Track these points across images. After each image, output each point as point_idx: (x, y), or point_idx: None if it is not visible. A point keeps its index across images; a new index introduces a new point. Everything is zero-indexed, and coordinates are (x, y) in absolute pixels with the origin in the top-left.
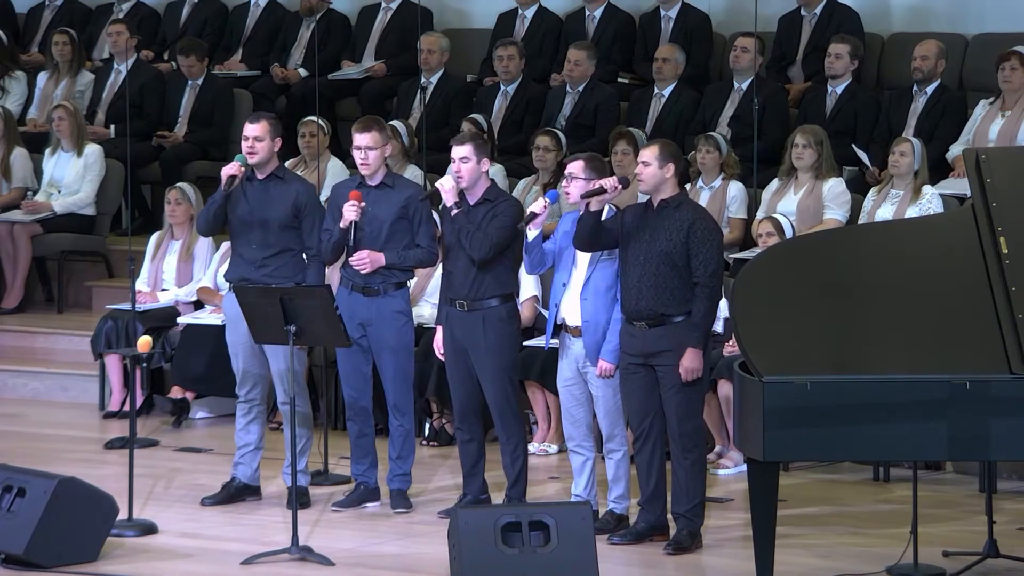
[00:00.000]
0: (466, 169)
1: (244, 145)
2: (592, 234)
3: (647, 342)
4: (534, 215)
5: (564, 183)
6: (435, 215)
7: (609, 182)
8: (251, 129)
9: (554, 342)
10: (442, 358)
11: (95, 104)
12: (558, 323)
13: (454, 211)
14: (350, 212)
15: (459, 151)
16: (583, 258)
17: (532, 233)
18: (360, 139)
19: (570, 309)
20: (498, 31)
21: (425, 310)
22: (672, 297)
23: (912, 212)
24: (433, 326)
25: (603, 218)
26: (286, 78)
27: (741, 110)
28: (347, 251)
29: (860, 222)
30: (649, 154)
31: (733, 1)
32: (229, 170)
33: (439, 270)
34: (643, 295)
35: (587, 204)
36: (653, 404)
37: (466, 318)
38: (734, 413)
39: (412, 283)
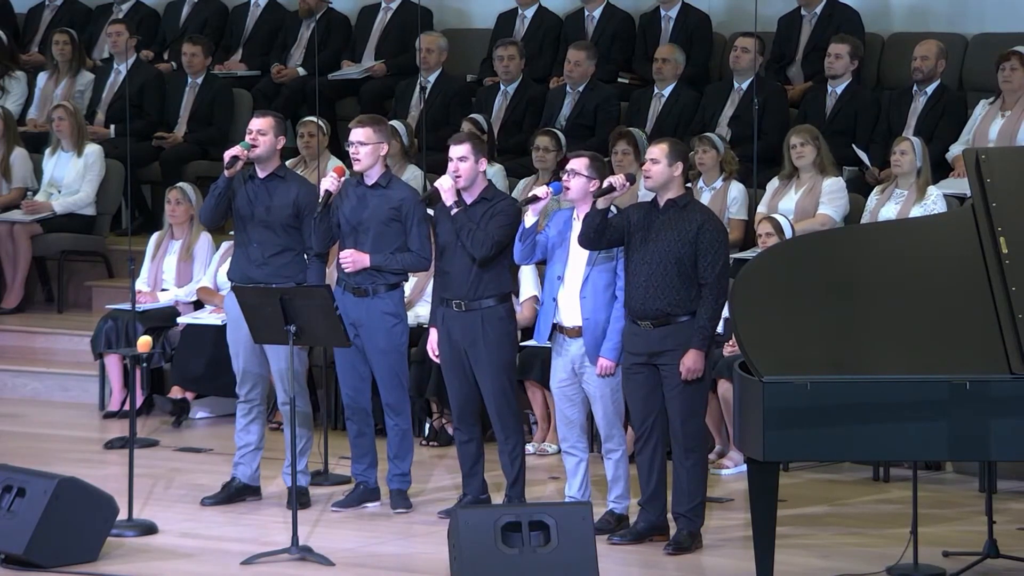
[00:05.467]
0: (464, 168)
1: (248, 137)
2: (598, 232)
3: (651, 342)
4: (536, 198)
5: (565, 178)
6: (430, 212)
7: (618, 180)
8: (256, 123)
9: (549, 341)
10: (436, 359)
11: (95, 104)
12: (554, 322)
13: (454, 210)
14: (327, 181)
15: (457, 150)
16: (579, 256)
17: (529, 219)
18: (353, 134)
19: (567, 309)
20: (498, 31)
21: (425, 309)
22: (678, 297)
23: (916, 212)
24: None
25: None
26: (286, 77)
27: (741, 110)
28: (339, 245)
29: (863, 221)
30: (658, 151)
31: (733, 1)
32: (232, 151)
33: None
34: (651, 295)
35: (593, 203)
36: (655, 404)
37: (463, 318)
38: (734, 413)
39: (411, 283)
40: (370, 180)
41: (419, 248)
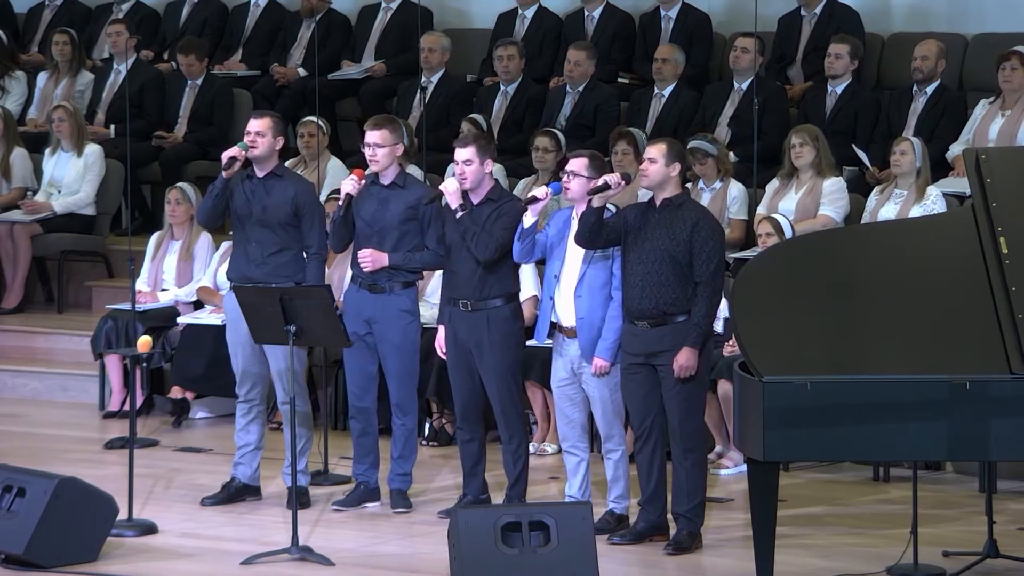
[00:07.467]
0: (470, 171)
1: (246, 138)
2: (594, 230)
3: (649, 342)
4: (535, 199)
5: (565, 179)
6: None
7: (613, 178)
8: (254, 124)
9: (548, 341)
10: (444, 357)
11: (95, 104)
12: (552, 321)
13: (459, 213)
14: (347, 184)
15: (462, 153)
16: (576, 255)
17: (528, 219)
18: (369, 136)
19: (564, 309)
20: (498, 31)
21: (425, 310)
22: (674, 296)
23: (916, 212)
24: (434, 326)
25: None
26: (286, 77)
27: (741, 110)
28: (354, 244)
29: (863, 221)
30: (656, 151)
31: (733, 1)
32: (230, 152)
33: (439, 270)
34: (646, 294)
35: (589, 201)
36: (654, 404)
37: (470, 318)
38: (734, 413)
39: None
40: (386, 180)
41: (436, 246)
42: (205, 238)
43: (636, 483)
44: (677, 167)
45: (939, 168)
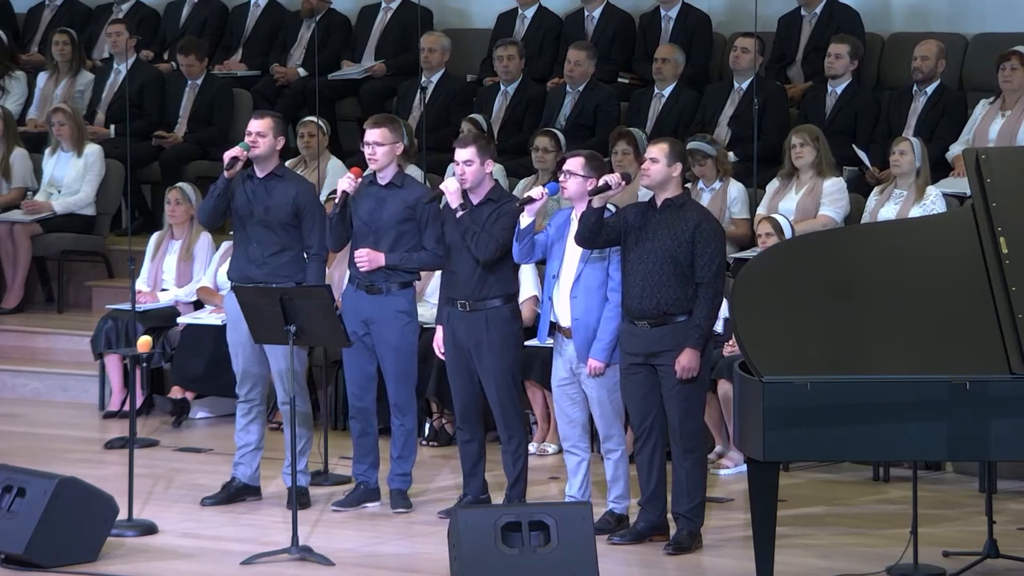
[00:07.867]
0: (470, 172)
1: (247, 138)
2: (594, 230)
3: (649, 342)
4: (531, 200)
5: (562, 179)
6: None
7: (613, 178)
8: (255, 124)
9: (549, 341)
10: (442, 357)
11: (95, 104)
12: (552, 321)
13: (459, 213)
14: (344, 183)
15: (462, 154)
16: (573, 255)
17: (526, 220)
18: (369, 134)
19: (561, 309)
20: (498, 31)
21: (425, 310)
22: (675, 297)
23: (916, 212)
24: (433, 326)
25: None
26: (286, 77)
27: (741, 110)
28: (351, 243)
29: (863, 221)
30: (658, 151)
31: (733, 1)
32: (232, 152)
33: (439, 271)
34: (646, 294)
35: (589, 201)
36: (654, 404)
37: (469, 318)
38: (734, 413)
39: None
40: (384, 180)
41: (434, 247)
42: (205, 238)
43: (636, 483)
44: (679, 167)
45: (939, 168)
